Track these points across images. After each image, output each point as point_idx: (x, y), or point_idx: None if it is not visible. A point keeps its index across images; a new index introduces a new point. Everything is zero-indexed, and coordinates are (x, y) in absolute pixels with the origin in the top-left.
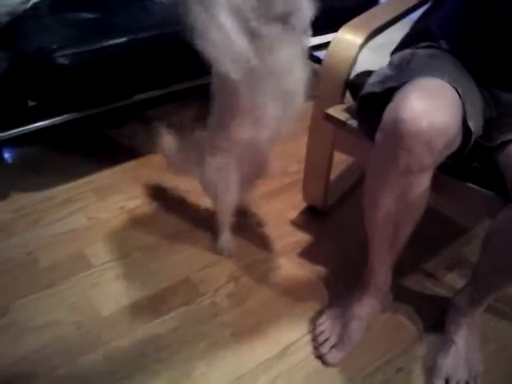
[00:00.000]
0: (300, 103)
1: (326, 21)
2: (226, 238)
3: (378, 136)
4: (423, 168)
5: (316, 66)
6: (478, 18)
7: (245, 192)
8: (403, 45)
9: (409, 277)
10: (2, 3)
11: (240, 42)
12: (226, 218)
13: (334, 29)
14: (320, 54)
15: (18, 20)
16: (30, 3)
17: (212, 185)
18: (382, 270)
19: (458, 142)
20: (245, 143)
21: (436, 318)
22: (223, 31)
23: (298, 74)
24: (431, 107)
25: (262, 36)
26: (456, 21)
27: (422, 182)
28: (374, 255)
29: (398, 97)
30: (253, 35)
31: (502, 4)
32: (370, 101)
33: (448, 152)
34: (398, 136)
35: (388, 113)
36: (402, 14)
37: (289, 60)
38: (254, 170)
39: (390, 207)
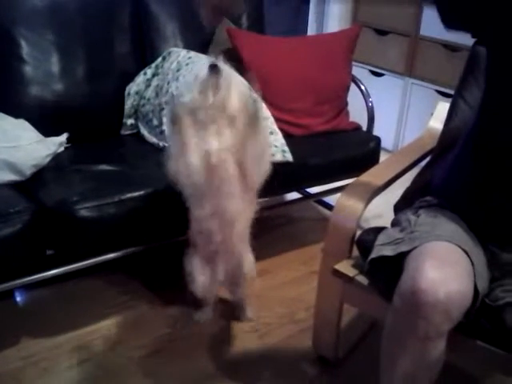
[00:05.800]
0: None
1: (332, 170)
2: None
3: (396, 302)
4: (441, 334)
5: (325, 210)
6: (475, 179)
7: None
8: (406, 199)
9: None
10: (29, 156)
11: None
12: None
13: (340, 177)
14: (328, 199)
15: (40, 170)
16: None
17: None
18: None
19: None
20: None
21: None
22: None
23: None
24: (447, 276)
25: None
26: (454, 182)
27: (439, 346)
28: None
29: (413, 265)
30: None
31: (498, 169)
32: (381, 262)
33: (462, 314)
34: (416, 306)
35: (404, 282)
36: (404, 171)
37: None
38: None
39: (408, 369)
